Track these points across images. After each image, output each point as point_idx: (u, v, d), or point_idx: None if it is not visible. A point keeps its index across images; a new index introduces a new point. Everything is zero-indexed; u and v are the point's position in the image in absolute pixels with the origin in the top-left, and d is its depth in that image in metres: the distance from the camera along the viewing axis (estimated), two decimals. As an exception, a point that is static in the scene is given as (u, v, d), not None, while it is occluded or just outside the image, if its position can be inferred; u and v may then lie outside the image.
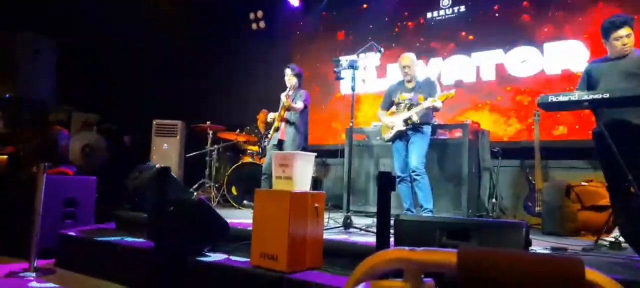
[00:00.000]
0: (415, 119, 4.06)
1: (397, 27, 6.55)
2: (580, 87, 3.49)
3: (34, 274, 3.59)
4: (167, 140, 6.81)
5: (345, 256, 3.10)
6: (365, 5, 6.89)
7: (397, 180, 4.20)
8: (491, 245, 2.19)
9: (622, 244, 3.13)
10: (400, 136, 4.20)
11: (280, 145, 4.91)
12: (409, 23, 6.46)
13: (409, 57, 4.28)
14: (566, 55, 5.21)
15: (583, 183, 4.30)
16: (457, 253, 0.65)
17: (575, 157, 4.91)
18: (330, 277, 2.81)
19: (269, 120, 5.15)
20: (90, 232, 4.26)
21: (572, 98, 3.24)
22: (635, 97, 2.82)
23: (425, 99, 4.06)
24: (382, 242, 2.11)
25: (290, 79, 4.97)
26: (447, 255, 0.65)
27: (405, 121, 4.11)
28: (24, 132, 3.90)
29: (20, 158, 4.71)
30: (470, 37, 5.91)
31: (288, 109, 4.83)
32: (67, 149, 4.03)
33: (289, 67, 5.04)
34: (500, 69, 5.65)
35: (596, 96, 3.13)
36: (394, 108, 4.32)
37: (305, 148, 4.82)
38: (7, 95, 4.12)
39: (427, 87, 4.19)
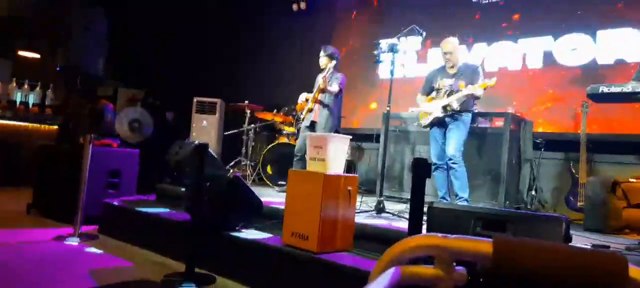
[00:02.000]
0: (454, 106, 3.96)
1: (441, 11, 6.36)
2: (637, 77, 3.29)
3: (78, 239, 3.79)
4: (207, 117, 6.96)
5: (376, 240, 3.10)
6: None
7: (433, 167, 4.13)
8: (527, 237, 2.12)
9: (671, 246, 2.96)
10: (439, 123, 4.12)
11: (312, 126, 4.92)
12: (453, 7, 6.26)
13: (451, 42, 4.16)
14: (621, 44, 4.90)
15: (631, 180, 4.08)
16: (492, 242, 0.62)
17: (623, 151, 4.66)
18: (360, 259, 2.82)
19: (301, 102, 5.16)
20: (131, 202, 4.45)
21: (626, 89, 3.07)
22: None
23: (466, 85, 3.94)
24: (414, 229, 2.08)
25: (323, 60, 4.95)
26: (481, 244, 0.63)
27: (444, 108, 4.02)
28: (74, 103, 4.09)
29: (69, 129, 4.95)
30: (516, 18, 5.67)
31: (323, 90, 4.83)
32: (112, 122, 4.21)
33: (322, 48, 5.02)
34: (548, 56, 5.40)
35: (652, 88, 2.96)
36: (433, 94, 4.22)
37: (337, 131, 4.82)
38: (58, 67, 4.32)
39: (469, 74, 4.06)
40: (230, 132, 6.57)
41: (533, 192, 4.69)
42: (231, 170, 6.00)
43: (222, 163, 5.01)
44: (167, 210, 4.16)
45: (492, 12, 5.87)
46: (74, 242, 3.75)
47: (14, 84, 6.44)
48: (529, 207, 4.63)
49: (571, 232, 2.21)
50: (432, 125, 4.18)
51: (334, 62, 4.89)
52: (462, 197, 3.94)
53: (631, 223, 3.83)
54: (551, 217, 2.24)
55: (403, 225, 3.25)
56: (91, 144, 3.92)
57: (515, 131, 4.58)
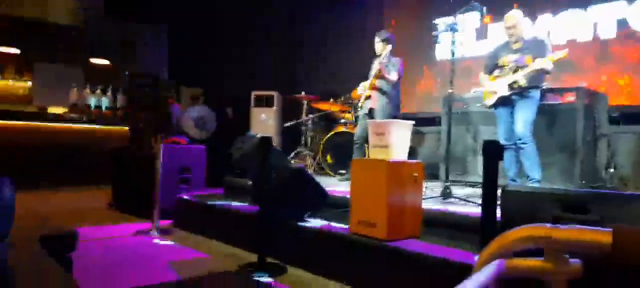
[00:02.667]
0: (522, 82, 3.77)
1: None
2: None
3: (157, 233, 4.03)
4: (265, 110, 7.11)
5: (444, 226, 3.05)
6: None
7: (501, 148, 3.97)
8: (612, 220, 2.00)
9: None
10: (505, 102, 3.94)
11: (371, 113, 4.88)
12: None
13: (514, 15, 3.95)
14: None
15: None
16: (612, 233, 0.58)
17: None
18: (430, 246, 2.78)
19: (360, 89, 5.12)
20: (201, 196, 4.65)
21: None
22: None
23: (534, 60, 3.73)
24: (488, 214, 2.02)
25: (378, 45, 4.88)
26: (598, 235, 0.58)
27: (511, 85, 3.84)
28: (143, 106, 4.35)
29: (140, 131, 5.25)
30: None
31: (380, 77, 4.76)
32: (179, 121, 4.43)
33: (376, 34, 4.95)
34: (622, 23, 5.00)
35: None
36: (497, 72, 4.04)
37: (396, 117, 4.74)
38: (127, 73, 4.60)
39: (536, 47, 3.84)
40: (289, 123, 6.67)
41: (611, 170, 4.39)
42: (292, 161, 6.11)
43: (285, 155, 5.13)
44: (235, 202, 4.31)
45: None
46: (152, 235, 3.99)
47: (88, 90, 6.91)
48: (608, 185, 4.35)
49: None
50: (497, 104, 4.01)
51: (389, 46, 4.81)
52: (533, 179, 3.76)
53: None
54: (638, 196, 2.09)
55: (471, 210, 3.17)
56: (162, 143, 4.13)
57: (589, 106, 4.30)
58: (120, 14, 7.63)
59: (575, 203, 2.08)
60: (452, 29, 3.88)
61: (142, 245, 3.77)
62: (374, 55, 5.01)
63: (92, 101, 6.93)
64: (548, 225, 0.61)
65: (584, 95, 4.21)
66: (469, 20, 6.10)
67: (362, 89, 5.05)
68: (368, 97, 4.94)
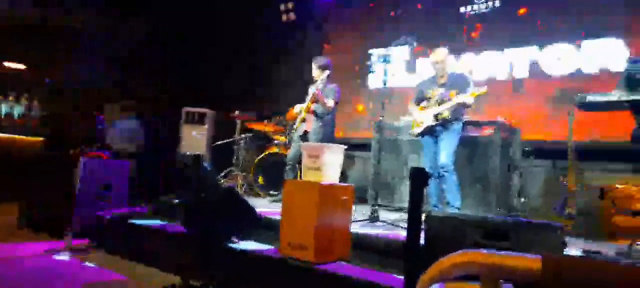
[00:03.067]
0: (445, 114, 4.02)
1: (430, 21, 6.45)
2: (619, 85, 3.38)
3: (69, 253, 3.73)
4: (196, 127, 6.92)
5: (372, 249, 3.12)
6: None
7: (426, 176, 4.17)
8: (528, 246, 2.16)
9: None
10: (430, 132, 4.17)
11: (305, 136, 4.93)
12: (442, 17, 6.35)
13: (440, 52, 4.23)
14: (604, 54, 5.04)
15: (618, 186, 4.18)
16: (542, 260, 0.62)
17: (611, 159, 4.76)
18: (359, 269, 2.83)
19: (296, 111, 5.17)
20: (123, 214, 4.38)
21: (612, 98, 3.16)
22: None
23: (457, 94, 4.00)
24: (413, 239, 2.10)
25: (316, 71, 4.97)
26: (527, 261, 0.62)
27: (436, 116, 4.07)
28: (63, 115, 4.06)
29: (58, 141, 4.88)
30: (502, 29, 5.78)
31: (316, 101, 4.84)
32: (104, 133, 4.16)
33: (313, 60, 5.05)
34: (534, 66, 5.52)
35: (639, 97, 3.05)
36: (424, 103, 4.28)
37: (331, 141, 4.83)
38: (47, 80, 4.28)
39: (459, 83, 4.13)
40: (220, 142, 6.54)
41: (523, 199, 4.76)
42: (222, 181, 5.98)
43: (216, 175, 5.00)
44: (161, 222, 4.11)
45: (479, 22, 5.98)
46: (65, 256, 3.69)
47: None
48: (520, 214, 4.70)
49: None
50: (423, 134, 4.23)
51: (326, 72, 4.92)
52: (453, 206, 3.98)
53: (620, 229, 3.92)
54: (548, 225, 2.28)
55: (399, 233, 3.28)
56: (82, 156, 3.88)
57: (504, 139, 4.66)
58: (49, 10, 7.01)
59: (495, 230, 2.22)
60: (385, 60, 4.06)
61: (52, 266, 3.46)
62: (311, 78, 5.08)
63: (3, 108, 6.34)
64: (482, 250, 0.64)
65: (501, 129, 4.57)
66: (400, 52, 6.41)
67: (298, 110, 5.10)
68: (303, 120, 4.99)
